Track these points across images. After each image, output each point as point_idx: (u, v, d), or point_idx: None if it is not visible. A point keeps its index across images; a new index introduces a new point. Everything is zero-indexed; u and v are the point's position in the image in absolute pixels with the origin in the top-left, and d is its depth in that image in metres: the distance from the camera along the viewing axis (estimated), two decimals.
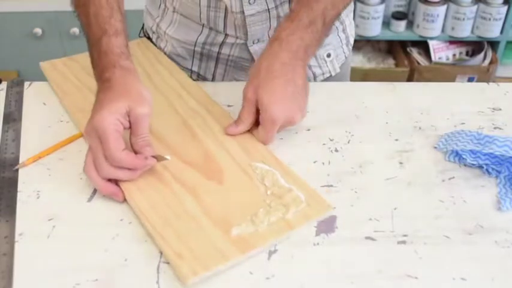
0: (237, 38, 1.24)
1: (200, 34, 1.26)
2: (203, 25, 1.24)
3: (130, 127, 0.92)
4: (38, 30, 2.66)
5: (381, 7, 2.86)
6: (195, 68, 1.32)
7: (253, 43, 1.24)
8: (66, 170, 0.98)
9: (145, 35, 1.40)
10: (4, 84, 1.19)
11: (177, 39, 1.29)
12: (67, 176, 0.96)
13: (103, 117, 0.89)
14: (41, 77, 1.21)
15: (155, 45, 1.35)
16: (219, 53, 1.28)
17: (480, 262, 0.82)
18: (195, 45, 1.28)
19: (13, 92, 1.17)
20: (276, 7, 1.19)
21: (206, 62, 1.31)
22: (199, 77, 1.33)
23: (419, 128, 1.09)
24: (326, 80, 1.34)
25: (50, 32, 2.68)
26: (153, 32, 1.35)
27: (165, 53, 1.32)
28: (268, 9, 1.18)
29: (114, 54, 0.98)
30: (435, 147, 1.03)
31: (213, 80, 1.32)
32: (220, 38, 1.25)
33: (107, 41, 0.99)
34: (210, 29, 1.24)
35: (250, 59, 1.28)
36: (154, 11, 1.33)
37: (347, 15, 1.33)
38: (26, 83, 1.20)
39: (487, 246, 0.85)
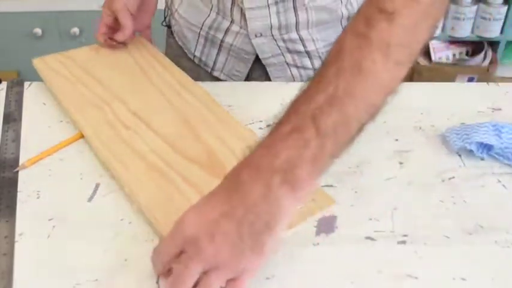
0: (240, 27, 1.24)
1: (207, 17, 1.26)
2: (211, 8, 1.25)
3: None
4: (38, 30, 2.66)
5: None
6: (197, 53, 1.33)
7: (256, 36, 1.23)
8: (66, 170, 0.98)
9: (167, 24, 1.42)
10: (4, 84, 1.19)
11: (185, 19, 1.31)
12: (67, 176, 0.96)
13: None
14: (41, 77, 1.21)
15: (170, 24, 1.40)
16: (222, 41, 1.28)
17: (480, 262, 0.82)
18: (200, 29, 1.29)
19: (13, 92, 1.17)
20: (276, 3, 1.17)
21: (209, 49, 1.31)
22: (201, 62, 1.34)
23: (420, 128, 1.09)
24: None
25: (50, 32, 2.68)
26: (168, 9, 1.39)
27: (172, 32, 1.34)
28: (268, 5, 1.17)
29: None
30: (446, 137, 1.04)
31: (213, 67, 1.33)
32: (225, 24, 1.25)
33: None
34: (217, 13, 1.25)
35: (252, 52, 1.27)
36: None
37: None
38: (26, 83, 1.20)
39: (487, 246, 0.85)
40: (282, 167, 0.68)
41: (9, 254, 0.82)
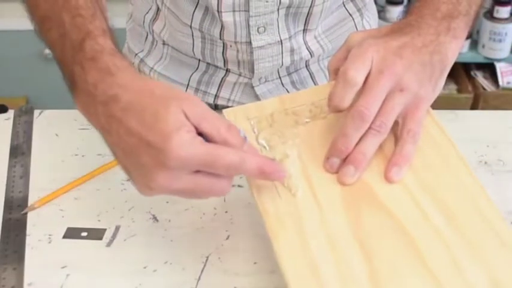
0: (239, 75, 1.20)
1: (195, 71, 1.22)
2: (199, 60, 1.21)
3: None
4: (49, 51, 2.68)
5: None
6: None
7: (260, 82, 1.21)
8: (81, 210, 0.98)
9: None
10: (11, 113, 1.20)
11: (167, 77, 1.25)
12: (83, 218, 0.97)
13: (179, 141, 0.69)
14: (53, 104, 1.21)
15: None
16: (216, 95, 1.24)
17: None
18: (187, 85, 1.24)
19: (21, 121, 1.19)
20: (290, 38, 1.14)
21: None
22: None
23: (485, 163, 1.08)
24: None
25: None
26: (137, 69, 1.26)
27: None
28: (281, 40, 1.13)
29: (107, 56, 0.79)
30: None
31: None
32: (220, 75, 1.21)
33: (92, 43, 0.82)
34: (209, 64, 1.21)
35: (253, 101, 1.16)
36: (138, 45, 1.29)
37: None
38: (36, 111, 1.22)
39: None
40: (444, 17, 0.90)
41: None
